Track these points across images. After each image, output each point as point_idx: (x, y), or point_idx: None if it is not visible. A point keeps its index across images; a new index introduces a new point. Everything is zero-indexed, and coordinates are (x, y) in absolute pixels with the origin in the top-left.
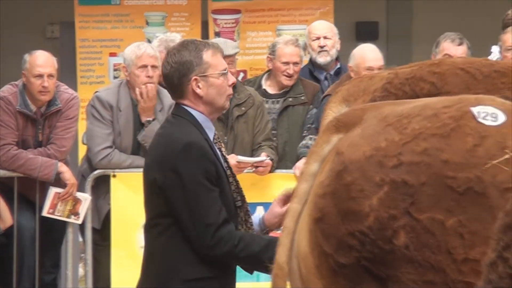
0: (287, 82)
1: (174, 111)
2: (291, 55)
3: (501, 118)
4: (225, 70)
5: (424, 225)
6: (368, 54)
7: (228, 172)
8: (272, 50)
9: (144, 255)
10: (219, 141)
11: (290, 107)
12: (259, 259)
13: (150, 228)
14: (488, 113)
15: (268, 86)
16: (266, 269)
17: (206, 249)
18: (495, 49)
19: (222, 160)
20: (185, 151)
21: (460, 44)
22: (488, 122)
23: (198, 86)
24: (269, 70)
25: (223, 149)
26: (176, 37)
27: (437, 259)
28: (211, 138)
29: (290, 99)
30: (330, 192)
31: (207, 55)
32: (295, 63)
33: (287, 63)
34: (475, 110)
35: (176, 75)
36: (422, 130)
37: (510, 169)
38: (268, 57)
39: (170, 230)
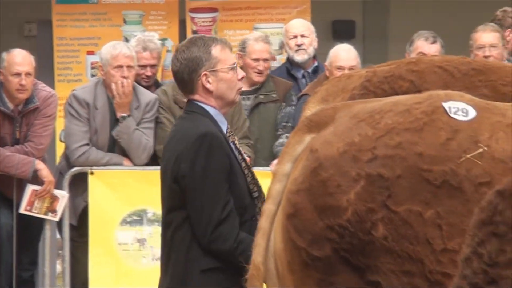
0: (257, 78)
1: (187, 108)
2: (261, 51)
3: (472, 113)
4: (234, 64)
5: (401, 217)
6: (340, 54)
7: (243, 164)
8: (242, 47)
9: (163, 254)
10: (232, 134)
11: (262, 104)
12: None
13: (166, 226)
14: (458, 108)
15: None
16: None
17: (204, 243)
18: None
19: (236, 153)
20: (200, 141)
21: (434, 42)
22: (459, 117)
23: (208, 81)
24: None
25: (236, 142)
26: (154, 36)
27: (416, 250)
28: (225, 131)
29: (261, 96)
30: (305, 189)
31: (215, 50)
32: (265, 60)
33: (257, 59)
34: (446, 105)
35: (186, 71)
36: (395, 125)
37: (483, 164)
38: (238, 53)
39: (185, 224)
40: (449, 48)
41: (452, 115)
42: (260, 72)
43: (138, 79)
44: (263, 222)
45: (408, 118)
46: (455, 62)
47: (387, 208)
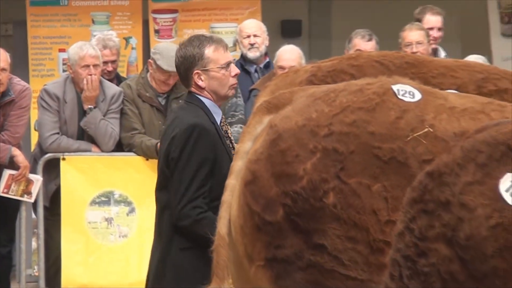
0: None
1: (186, 98)
2: None
3: (418, 95)
4: (225, 63)
5: (351, 188)
6: (282, 54)
7: (233, 152)
8: None
9: (155, 228)
10: (226, 125)
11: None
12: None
13: (157, 203)
14: (406, 91)
15: None
16: None
17: (175, 218)
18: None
19: (228, 141)
20: (188, 131)
21: (370, 40)
22: (407, 98)
23: (200, 79)
24: None
25: (229, 131)
26: (112, 35)
27: (362, 219)
28: (219, 121)
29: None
30: (264, 158)
31: (209, 50)
32: None
33: None
34: (395, 87)
35: (182, 68)
36: (349, 103)
37: (427, 142)
38: None
39: (169, 205)
40: (383, 44)
41: (400, 96)
42: None
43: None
44: (226, 196)
45: (361, 98)
46: (390, 56)
47: (339, 179)
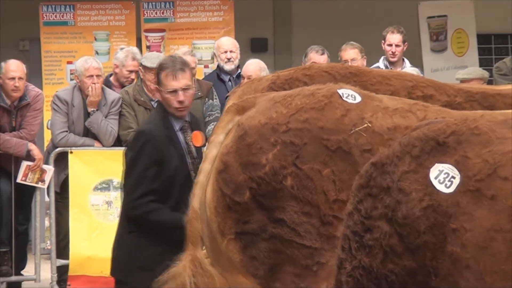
0: None
1: (158, 104)
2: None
3: (358, 98)
4: (172, 90)
5: (305, 172)
6: (247, 67)
7: (192, 153)
8: None
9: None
10: (186, 130)
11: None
12: (166, 225)
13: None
14: (349, 94)
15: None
16: (171, 234)
17: (128, 210)
18: (381, 60)
19: (183, 145)
20: (135, 137)
21: (322, 54)
22: (350, 100)
23: (158, 94)
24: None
25: (187, 137)
26: (136, 50)
27: (314, 198)
28: (177, 127)
29: None
30: (233, 151)
31: (162, 75)
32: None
33: None
34: (340, 91)
35: (156, 81)
36: (303, 105)
37: (367, 135)
38: None
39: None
40: (334, 58)
41: (344, 98)
42: None
43: (122, 81)
44: (200, 178)
45: (313, 100)
46: (337, 67)
47: (295, 166)
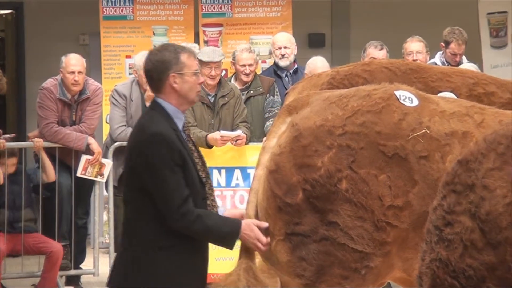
0: (245, 78)
1: (150, 105)
2: (246, 59)
3: (415, 101)
4: (197, 70)
5: (361, 177)
6: (317, 64)
7: (195, 154)
8: (233, 57)
9: (124, 224)
10: (188, 128)
11: (252, 97)
12: (213, 232)
13: (129, 203)
14: (406, 97)
15: (235, 83)
16: (220, 242)
17: (173, 222)
18: (437, 56)
19: (190, 144)
20: (151, 140)
21: (381, 49)
22: (407, 103)
23: (175, 82)
24: (235, 72)
25: (191, 135)
26: (196, 47)
27: (368, 203)
28: (180, 127)
29: (252, 91)
30: (287, 151)
31: (183, 57)
32: (250, 65)
33: (244, 65)
34: (397, 93)
35: (157, 71)
36: (359, 107)
37: (424, 141)
38: (231, 61)
39: (145, 204)
40: (392, 53)
41: (402, 101)
42: (247, 74)
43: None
44: (254, 184)
45: (369, 102)
46: (397, 63)
47: (351, 169)
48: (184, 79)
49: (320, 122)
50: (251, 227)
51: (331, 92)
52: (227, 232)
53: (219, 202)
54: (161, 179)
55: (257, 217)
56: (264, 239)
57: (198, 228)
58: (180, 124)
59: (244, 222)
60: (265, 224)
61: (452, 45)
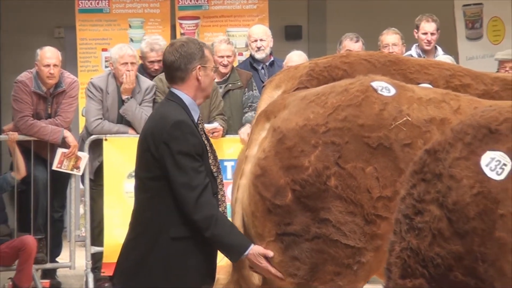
0: (223, 70)
1: (168, 96)
2: (224, 50)
3: (392, 90)
4: (215, 66)
5: (348, 171)
6: (292, 57)
7: (208, 148)
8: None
9: (135, 213)
10: (202, 122)
11: (230, 91)
12: (223, 240)
13: (143, 191)
14: (383, 87)
15: None
16: (226, 251)
17: (190, 210)
18: (413, 48)
19: (203, 138)
20: (176, 127)
21: (357, 41)
22: (385, 93)
23: (200, 74)
24: None
25: (204, 129)
26: (159, 39)
27: (357, 197)
28: (196, 119)
29: (230, 85)
30: (272, 155)
31: (206, 52)
32: (228, 56)
33: (222, 56)
34: (374, 84)
35: (184, 62)
36: (339, 103)
37: (406, 129)
38: None
39: (162, 194)
40: (368, 46)
41: (379, 92)
42: (225, 66)
43: (149, 71)
44: (239, 194)
45: (348, 96)
46: (376, 56)
47: (338, 165)
48: (206, 73)
49: (302, 122)
50: (258, 256)
51: (307, 91)
52: (237, 244)
53: None
54: (182, 165)
55: (244, 228)
56: (272, 269)
57: (213, 228)
58: (196, 117)
59: (254, 246)
60: (270, 253)
61: (422, 24)
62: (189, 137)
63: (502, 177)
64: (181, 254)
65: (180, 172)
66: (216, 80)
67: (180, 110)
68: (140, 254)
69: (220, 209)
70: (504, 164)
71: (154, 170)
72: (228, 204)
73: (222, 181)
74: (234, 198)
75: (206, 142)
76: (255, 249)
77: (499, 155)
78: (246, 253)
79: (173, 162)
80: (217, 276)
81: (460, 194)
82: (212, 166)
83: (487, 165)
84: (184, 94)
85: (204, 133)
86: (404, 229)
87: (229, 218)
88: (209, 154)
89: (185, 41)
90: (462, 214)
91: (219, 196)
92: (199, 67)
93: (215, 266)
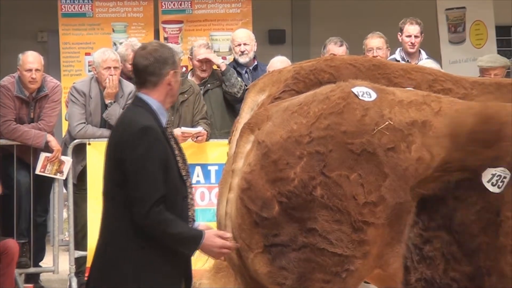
0: (202, 74)
1: (134, 101)
2: (202, 55)
3: (373, 94)
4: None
5: (334, 180)
6: (274, 63)
7: (176, 151)
8: (191, 52)
9: (104, 221)
10: (171, 126)
11: (210, 90)
12: (177, 238)
13: (110, 197)
14: (364, 92)
15: (192, 79)
16: (180, 244)
17: (139, 219)
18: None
19: (172, 141)
20: (141, 133)
21: (341, 45)
22: (366, 98)
23: (172, 79)
24: (192, 68)
25: (174, 132)
26: (135, 41)
27: (343, 205)
28: (164, 123)
29: (209, 85)
30: (258, 169)
31: (176, 57)
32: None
33: (200, 61)
34: (355, 90)
35: (158, 67)
36: (321, 111)
37: (389, 133)
38: (189, 57)
39: (127, 202)
40: (352, 50)
41: (361, 97)
42: (203, 70)
43: (129, 74)
44: (228, 208)
45: (329, 104)
46: (360, 60)
47: (323, 174)
48: (176, 78)
49: (286, 135)
50: (214, 237)
51: (289, 101)
52: (191, 235)
53: None
54: (142, 170)
55: (234, 240)
56: (228, 243)
57: (166, 233)
58: (164, 121)
59: (207, 232)
60: (228, 234)
61: (406, 27)
62: (153, 143)
63: (502, 189)
64: (153, 262)
65: (137, 178)
66: (196, 82)
67: (147, 115)
68: (110, 261)
69: (190, 213)
70: (504, 177)
71: (120, 175)
72: (197, 208)
73: (191, 184)
74: (224, 212)
75: (175, 145)
76: (209, 233)
77: (500, 170)
78: (202, 240)
79: (133, 167)
80: (199, 280)
81: (464, 214)
82: (181, 170)
83: (488, 182)
84: (152, 99)
85: (173, 136)
86: (416, 260)
87: (197, 222)
88: (177, 158)
89: (157, 46)
90: (467, 233)
91: (188, 200)
92: (172, 73)
93: (190, 269)
